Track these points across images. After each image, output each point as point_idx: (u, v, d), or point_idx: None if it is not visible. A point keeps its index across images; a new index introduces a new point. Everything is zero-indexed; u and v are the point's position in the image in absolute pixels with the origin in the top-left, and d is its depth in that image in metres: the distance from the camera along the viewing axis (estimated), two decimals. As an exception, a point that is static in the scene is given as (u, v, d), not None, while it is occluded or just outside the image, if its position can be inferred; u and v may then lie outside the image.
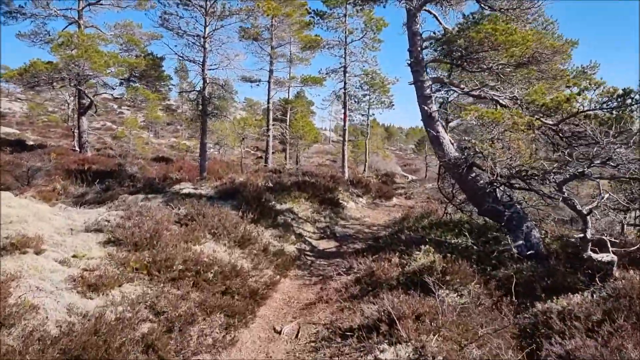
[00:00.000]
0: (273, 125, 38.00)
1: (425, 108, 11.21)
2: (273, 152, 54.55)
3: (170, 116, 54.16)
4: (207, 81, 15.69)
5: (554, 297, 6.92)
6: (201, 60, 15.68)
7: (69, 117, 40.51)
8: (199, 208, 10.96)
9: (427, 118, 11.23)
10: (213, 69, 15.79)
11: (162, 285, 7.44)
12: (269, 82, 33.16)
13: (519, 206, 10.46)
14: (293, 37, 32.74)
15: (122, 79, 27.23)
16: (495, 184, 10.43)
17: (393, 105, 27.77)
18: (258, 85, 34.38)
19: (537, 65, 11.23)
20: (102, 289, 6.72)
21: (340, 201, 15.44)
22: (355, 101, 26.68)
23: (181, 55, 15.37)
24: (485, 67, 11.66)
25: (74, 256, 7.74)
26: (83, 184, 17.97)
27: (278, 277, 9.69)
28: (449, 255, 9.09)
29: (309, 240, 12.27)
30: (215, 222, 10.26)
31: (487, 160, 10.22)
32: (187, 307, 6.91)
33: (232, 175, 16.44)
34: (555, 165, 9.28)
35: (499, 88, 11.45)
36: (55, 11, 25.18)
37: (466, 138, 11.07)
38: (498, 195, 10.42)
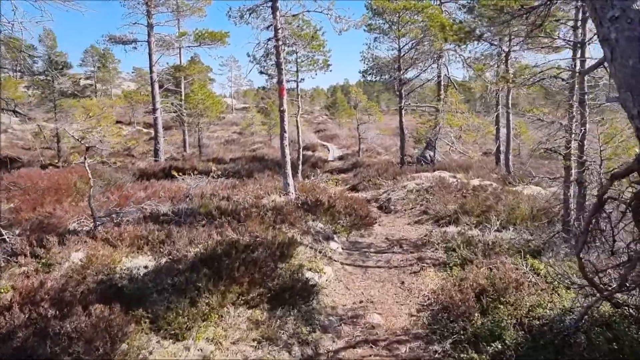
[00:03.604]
0: (163, 100, 28.02)
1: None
2: (169, 129, 43.94)
3: (37, 94, 40.92)
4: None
5: None
6: None
7: None
8: None
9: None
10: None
11: None
12: (148, 42, 22.95)
13: None
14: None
15: None
16: None
17: (330, 65, 19.20)
18: (135, 47, 23.97)
19: None
20: None
21: (307, 276, 7.07)
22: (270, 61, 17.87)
23: None
24: None
25: None
26: None
27: None
28: None
29: None
30: None
31: None
32: None
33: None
34: None
35: None
36: None
37: None
38: None
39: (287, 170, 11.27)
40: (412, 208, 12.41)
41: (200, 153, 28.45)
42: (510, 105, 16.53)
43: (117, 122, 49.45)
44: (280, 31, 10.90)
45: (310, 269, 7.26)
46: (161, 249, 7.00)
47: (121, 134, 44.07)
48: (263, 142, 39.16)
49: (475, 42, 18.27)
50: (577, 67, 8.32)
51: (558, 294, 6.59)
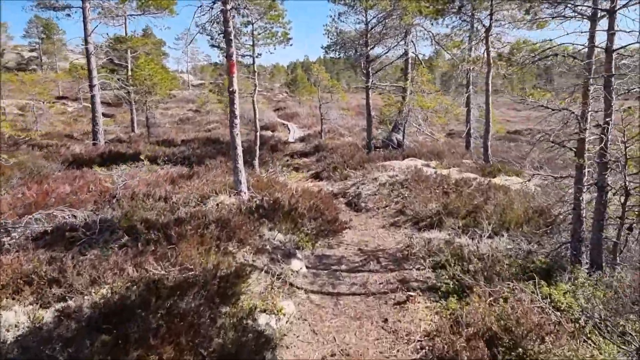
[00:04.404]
0: (106, 75, 24.92)
1: None
2: (119, 106, 40.22)
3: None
4: None
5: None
6: None
7: None
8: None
9: None
10: None
11: None
12: (83, 8, 19.84)
13: None
14: None
15: None
16: None
17: (290, 39, 16.92)
18: (69, 15, 20.89)
19: None
20: None
21: (260, 323, 5.14)
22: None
23: None
24: None
25: None
26: None
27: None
28: None
29: None
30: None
31: None
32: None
33: None
34: None
35: None
36: None
37: None
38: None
39: (238, 164, 9.15)
40: (386, 206, 10.59)
41: (149, 134, 25.61)
42: (490, 87, 14.88)
43: (62, 97, 45.31)
44: (229, -7, 8.63)
45: (264, 310, 5.31)
46: (52, 291, 4.86)
47: (65, 111, 40.08)
48: (219, 122, 36.32)
49: (453, 17, 16.54)
50: (600, 43, 6.57)
51: (592, 342, 4.95)
